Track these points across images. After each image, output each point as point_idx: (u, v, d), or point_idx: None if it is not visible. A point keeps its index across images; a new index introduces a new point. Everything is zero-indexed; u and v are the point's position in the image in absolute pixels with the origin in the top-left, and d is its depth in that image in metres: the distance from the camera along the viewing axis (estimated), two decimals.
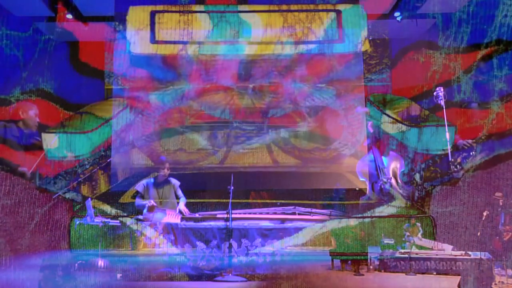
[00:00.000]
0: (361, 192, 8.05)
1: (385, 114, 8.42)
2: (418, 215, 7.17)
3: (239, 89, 8.71)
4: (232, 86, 8.71)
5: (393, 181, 7.79)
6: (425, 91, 8.12)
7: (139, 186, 7.44)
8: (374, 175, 7.93)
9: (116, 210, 7.54)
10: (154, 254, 6.92)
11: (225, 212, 6.94)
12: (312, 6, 8.67)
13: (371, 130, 8.23)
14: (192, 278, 6.79)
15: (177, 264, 6.82)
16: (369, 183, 7.97)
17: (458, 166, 7.26)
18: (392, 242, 6.80)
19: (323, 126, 8.65)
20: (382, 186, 7.77)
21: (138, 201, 7.34)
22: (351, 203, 7.94)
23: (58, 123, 8.22)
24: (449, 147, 7.35)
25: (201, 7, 8.70)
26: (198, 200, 7.82)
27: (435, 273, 6.30)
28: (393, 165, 7.92)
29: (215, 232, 7.02)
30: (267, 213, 7.57)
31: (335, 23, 8.63)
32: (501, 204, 6.79)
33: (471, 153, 7.34)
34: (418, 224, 6.93)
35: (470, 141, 7.46)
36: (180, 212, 7.31)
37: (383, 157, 8.02)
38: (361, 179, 8.08)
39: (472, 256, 6.23)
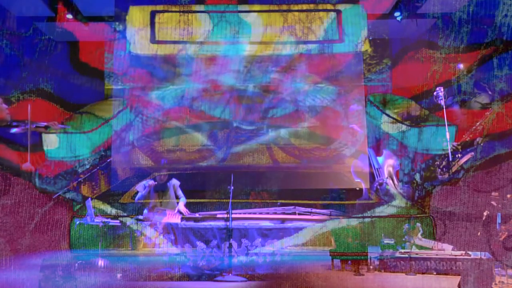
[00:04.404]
0: (361, 192, 8.05)
1: (385, 114, 8.42)
2: (418, 215, 7.17)
3: (239, 89, 8.71)
4: (232, 86, 8.71)
5: (389, 181, 7.79)
6: (425, 91, 8.12)
7: (139, 187, 7.46)
8: (371, 176, 7.94)
9: (116, 210, 7.54)
10: (154, 254, 6.92)
11: (225, 212, 6.96)
12: (312, 6, 8.67)
13: (361, 131, 8.28)
14: (192, 278, 6.80)
15: (177, 264, 6.82)
16: (364, 184, 7.99)
17: (444, 169, 7.27)
18: (392, 242, 6.80)
19: (323, 126, 8.65)
20: (379, 187, 7.78)
21: (139, 194, 7.36)
22: (351, 203, 7.94)
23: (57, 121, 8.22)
24: (449, 147, 7.35)
25: (201, 7, 8.71)
26: (198, 200, 7.82)
27: (435, 273, 6.30)
28: (388, 165, 7.93)
29: (215, 232, 7.02)
30: (267, 213, 7.57)
31: (335, 23, 8.64)
32: (495, 204, 6.78)
33: (457, 156, 7.32)
34: (418, 224, 6.93)
35: (455, 143, 7.44)
36: (180, 212, 7.32)
37: (378, 157, 8.03)
38: (356, 179, 8.09)
39: (472, 256, 6.23)
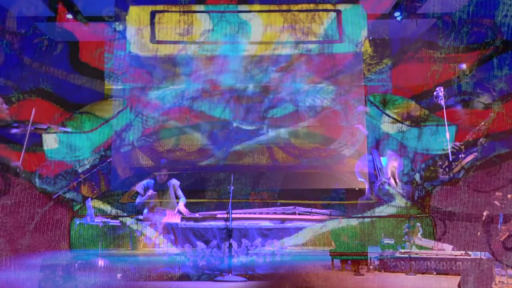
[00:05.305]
0: (361, 192, 8.05)
1: (385, 114, 8.43)
2: (418, 215, 7.16)
3: (239, 89, 8.71)
4: (232, 86, 8.71)
5: (391, 181, 7.79)
6: (425, 91, 8.12)
7: (139, 187, 7.46)
8: (372, 176, 7.93)
9: (116, 210, 7.55)
10: (154, 254, 6.92)
11: (225, 212, 6.95)
12: (312, 6, 8.67)
13: (366, 132, 8.29)
14: (192, 278, 6.80)
15: (177, 264, 6.82)
16: (367, 183, 7.98)
17: (446, 169, 7.27)
18: (392, 242, 6.79)
19: (323, 126, 8.65)
20: (381, 187, 7.77)
21: (139, 199, 7.38)
22: (351, 203, 7.94)
23: (58, 123, 8.23)
24: (449, 147, 7.35)
25: (201, 7, 8.71)
26: (198, 200, 7.82)
27: (435, 273, 6.29)
28: (391, 165, 7.93)
29: (215, 232, 7.02)
30: (267, 213, 7.57)
31: (335, 23, 8.64)
32: (498, 204, 6.78)
33: (460, 156, 7.32)
34: (418, 224, 6.93)
35: (458, 143, 7.45)
36: (180, 212, 7.33)
37: (381, 157, 8.03)
38: (360, 179, 8.08)
39: (472, 256, 6.23)
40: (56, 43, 8.56)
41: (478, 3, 7.67)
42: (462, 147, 7.43)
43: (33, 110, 7.33)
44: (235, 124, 8.67)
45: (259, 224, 7.17)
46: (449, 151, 7.34)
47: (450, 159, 7.33)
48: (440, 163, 7.44)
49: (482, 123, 7.45)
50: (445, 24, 8.06)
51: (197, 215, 7.39)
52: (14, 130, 7.45)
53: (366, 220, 7.15)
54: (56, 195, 7.35)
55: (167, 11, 8.64)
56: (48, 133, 7.97)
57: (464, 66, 7.90)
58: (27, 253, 6.71)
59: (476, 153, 7.31)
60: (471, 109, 7.87)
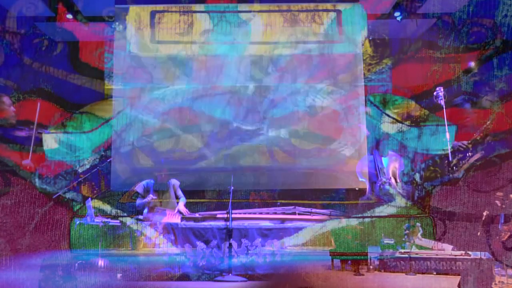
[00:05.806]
0: (361, 192, 8.05)
1: (385, 114, 8.43)
2: (418, 215, 7.16)
3: (239, 89, 8.71)
4: (232, 86, 8.71)
5: (392, 181, 7.80)
6: (425, 91, 8.13)
7: (139, 187, 7.46)
8: (373, 176, 7.93)
9: (116, 210, 7.55)
10: (154, 254, 6.92)
11: (225, 212, 6.95)
12: (312, 6, 8.68)
13: (368, 132, 8.28)
14: (192, 278, 6.80)
15: (177, 264, 6.82)
16: (368, 183, 7.98)
17: (454, 168, 7.28)
18: (392, 242, 6.79)
19: (323, 126, 8.65)
20: (382, 187, 7.77)
21: (139, 201, 7.38)
22: (351, 203, 7.93)
23: (58, 123, 8.24)
24: (449, 147, 7.36)
25: (201, 7, 8.72)
26: (198, 200, 7.82)
27: (435, 273, 6.29)
28: (393, 165, 7.93)
29: (215, 232, 7.01)
30: (267, 213, 7.56)
31: (335, 23, 8.64)
32: (499, 204, 6.77)
33: (467, 155, 7.33)
34: (418, 224, 6.92)
35: (465, 142, 7.45)
36: (180, 212, 7.33)
37: (382, 157, 8.03)
38: (361, 179, 8.08)
39: (472, 256, 6.23)
40: (56, 43, 8.56)
41: (478, 3, 7.67)
42: (470, 145, 7.44)
43: (37, 113, 7.36)
44: (235, 124, 8.67)
45: (259, 224, 7.16)
46: (449, 151, 7.34)
47: (450, 159, 7.33)
48: (447, 161, 7.43)
49: (488, 122, 7.46)
50: (445, 24, 8.06)
51: (197, 215, 7.39)
52: (18, 133, 7.48)
53: (366, 220, 7.15)
54: (56, 195, 7.35)
55: (167, 11, 8.65)
56: (48, 132, 7.97)
57: (472, 64, 7.90)
58: (27, 253, 6.71)
59: (483, 151, 7.31)
60: (479, 107, 7.86)
